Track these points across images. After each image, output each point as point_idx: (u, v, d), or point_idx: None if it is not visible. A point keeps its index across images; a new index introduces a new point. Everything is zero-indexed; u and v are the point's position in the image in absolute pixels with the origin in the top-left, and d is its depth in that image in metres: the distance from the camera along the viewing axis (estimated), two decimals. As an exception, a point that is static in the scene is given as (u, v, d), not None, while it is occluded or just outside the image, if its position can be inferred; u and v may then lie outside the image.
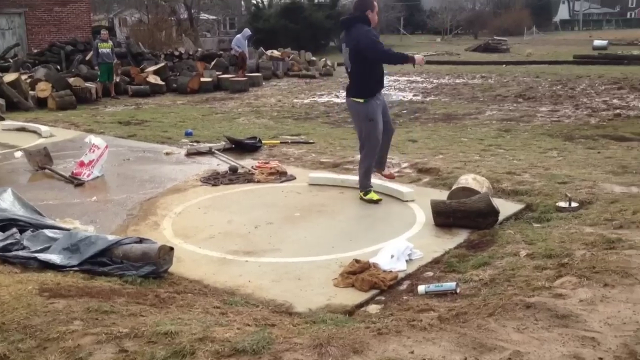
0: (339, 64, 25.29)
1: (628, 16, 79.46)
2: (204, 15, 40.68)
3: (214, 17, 44.78)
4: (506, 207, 5.11)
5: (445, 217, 4.74)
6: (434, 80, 19.27)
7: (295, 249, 4.46)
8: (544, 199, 5.18)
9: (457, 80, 19.07)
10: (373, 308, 3.55)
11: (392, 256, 4.09)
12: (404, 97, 15.27)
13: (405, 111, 12.43)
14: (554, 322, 2.64)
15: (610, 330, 2.53)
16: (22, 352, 2.60)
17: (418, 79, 20.20)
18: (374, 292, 3.71)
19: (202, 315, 3.10)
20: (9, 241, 4.05)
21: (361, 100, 5.34)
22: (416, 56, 5.49)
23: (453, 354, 2.37)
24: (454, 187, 5.18)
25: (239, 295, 3.71)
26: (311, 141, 8.44)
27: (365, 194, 5.53)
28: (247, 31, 20.31)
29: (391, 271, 3.93)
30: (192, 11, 34.95)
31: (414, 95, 15.45)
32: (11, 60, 18.28)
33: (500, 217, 4.82)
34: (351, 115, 5.70)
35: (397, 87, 17.56)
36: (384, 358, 2.36)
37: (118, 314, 3.03)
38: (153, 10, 33.79)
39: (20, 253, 3.94)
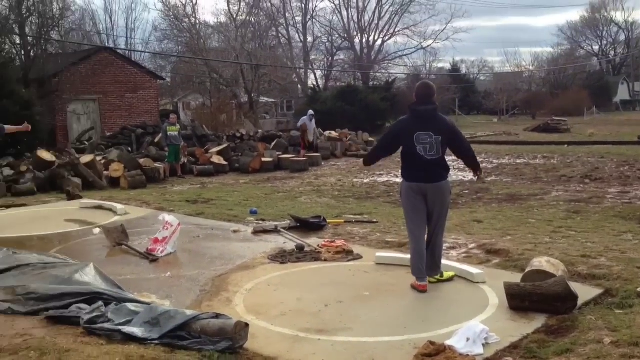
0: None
1: (690, 96, 77.77)
2: (263, 99, 42.27)
3: (273, 100, 46.42)
4: (584, 292, 4.96)
5: (520, 301, 4.65)
6: (494, 160, 19.20)
7: (367, 329, 4.44)
8: (624, 284, 5.01)
9: (518, 160, 18.94)
10: (452, 392, 3.48)
11: (468, 339, 4.02)
12: (464, 177, 15.23)
13: (466, 191, 12.39)
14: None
15: None
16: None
17: (478, 159, 20.16)
18: (452, 375, 3.64)
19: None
20: (95, 314, 4.21)
21: (448, 179, 5.51)
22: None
23: None
24: (527, 270, 5.09)
25: (315, 374, 3.70)
26: (375, 220, 8.50)
27: (442, 275, 5.50)
28: (310, 112, 20.86)
29: (468, 355, 3.85)
30: (252, 95, 36.39)
31: (473, 175, 15.37)
32: (87, 143, 19.36)
33: (579, 302, 4.69)
34: (441, 199, 5.39)
35: (456, 167, 17.58)
36: None
37: (202, 388, 3.08)
38: (215, 94, 35.40)
39: (106, 325, 4.08)
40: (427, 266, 5.45)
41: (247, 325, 4.09)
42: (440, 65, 64.29)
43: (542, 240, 6.91)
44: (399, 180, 14.40)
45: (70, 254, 6.52)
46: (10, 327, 4.07)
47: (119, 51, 33.01)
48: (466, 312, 4.70)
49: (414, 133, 5.19)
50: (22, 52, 23.62)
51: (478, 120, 48.58)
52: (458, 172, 16.27)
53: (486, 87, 64.20)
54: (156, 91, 28.33)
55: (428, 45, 53.99)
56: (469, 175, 15.43)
